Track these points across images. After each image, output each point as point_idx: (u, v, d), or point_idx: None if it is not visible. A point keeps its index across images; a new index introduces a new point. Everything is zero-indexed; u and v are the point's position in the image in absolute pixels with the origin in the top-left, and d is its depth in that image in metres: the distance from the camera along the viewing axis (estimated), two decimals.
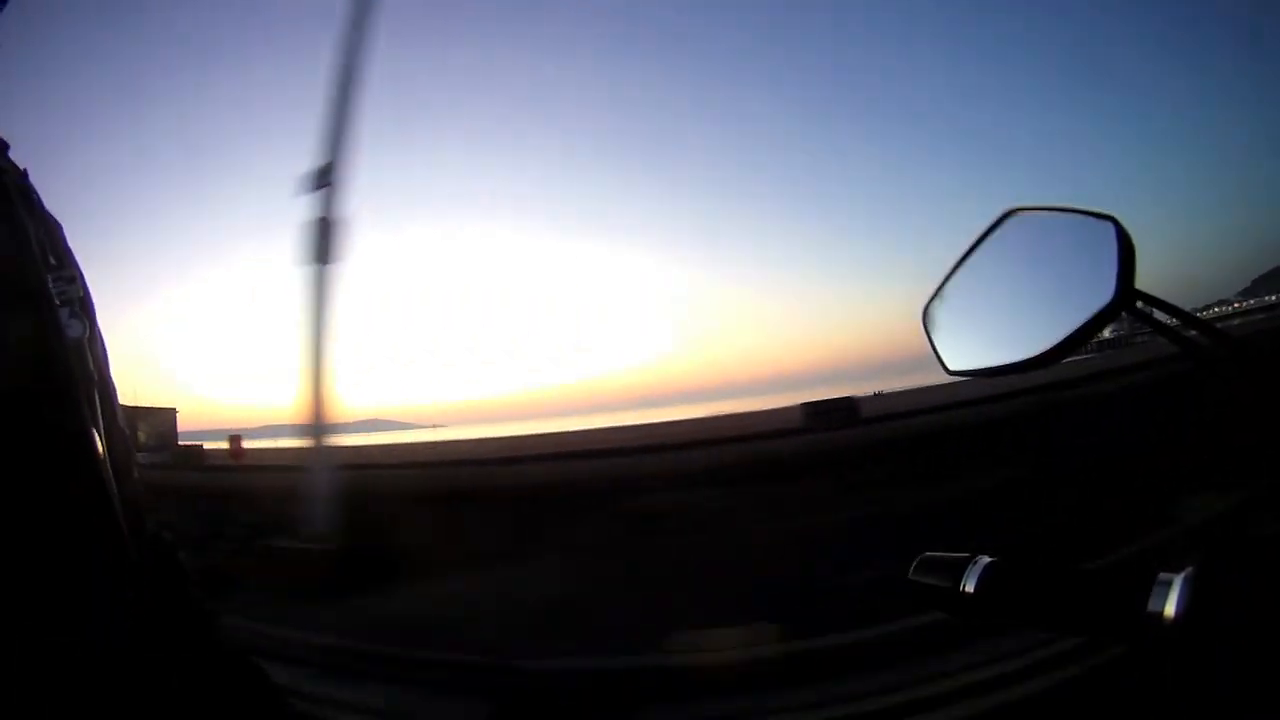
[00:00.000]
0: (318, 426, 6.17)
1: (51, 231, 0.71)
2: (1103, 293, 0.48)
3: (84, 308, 0.70)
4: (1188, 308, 0.50)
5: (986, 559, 0.53)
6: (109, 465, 0.63)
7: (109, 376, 0.71)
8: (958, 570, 0.53)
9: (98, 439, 0.63)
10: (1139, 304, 0.47)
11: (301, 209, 6.29)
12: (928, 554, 0.57)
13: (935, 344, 0.66)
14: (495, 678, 2.68)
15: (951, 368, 0.64)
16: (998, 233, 0.60)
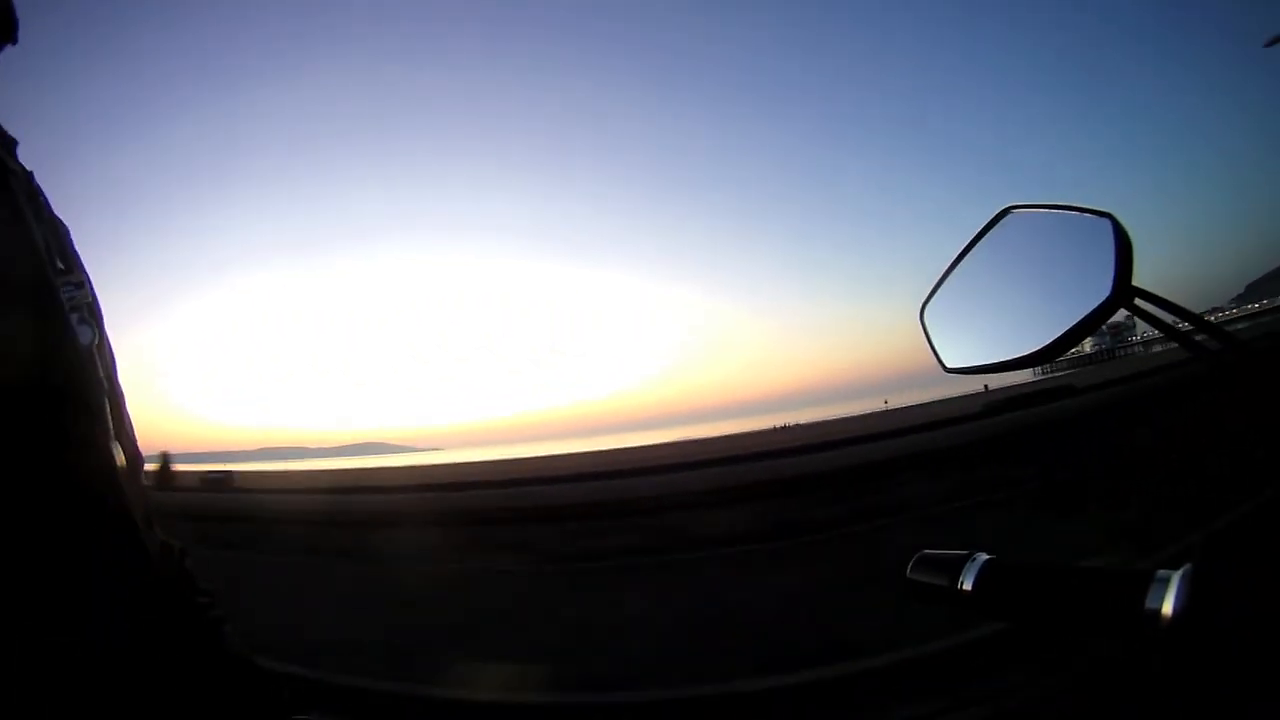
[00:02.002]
0: None
1: (59, 234, 0.71)
2: (1101, 289, 0.48)
3: (93, 313, 0.69)
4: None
5: (984, 556, 0.53)
6: (117, 470, 0.63)
7: (118, 382, 0.72)
8: (955, 568, 0.53)
9: (109, 445, 0.63)
10: (1137, 300, 0.47)
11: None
12: (925, 552, 0.57)
13: (932, 342, 0.66)
14: None
15: (949, 365, 0.64)
16: (994, 231, 0.60)
